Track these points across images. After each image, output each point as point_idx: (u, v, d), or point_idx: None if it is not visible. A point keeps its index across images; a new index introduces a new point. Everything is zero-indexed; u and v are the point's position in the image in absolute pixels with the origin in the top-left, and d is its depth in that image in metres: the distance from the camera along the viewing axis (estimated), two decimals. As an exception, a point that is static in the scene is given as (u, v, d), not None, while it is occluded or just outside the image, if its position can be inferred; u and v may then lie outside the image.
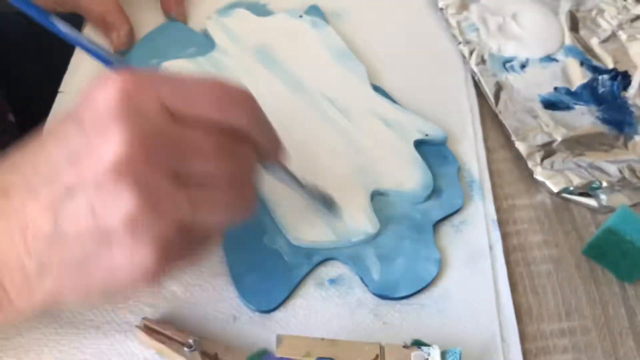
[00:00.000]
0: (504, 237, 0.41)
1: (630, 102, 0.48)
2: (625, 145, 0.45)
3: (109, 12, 0.48)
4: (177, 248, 0.26)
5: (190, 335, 0.34)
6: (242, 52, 0.49)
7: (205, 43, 0.50)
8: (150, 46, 0.50)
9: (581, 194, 0.43)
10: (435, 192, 0.42)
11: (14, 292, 0.28)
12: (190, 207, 0.26)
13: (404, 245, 0.39)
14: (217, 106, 0.27)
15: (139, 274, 0.26)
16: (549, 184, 0.42)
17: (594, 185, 0.42)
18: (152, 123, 0.25)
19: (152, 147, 0.25)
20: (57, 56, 0.50)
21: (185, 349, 0.33)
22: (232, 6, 0.53)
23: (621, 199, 0.43)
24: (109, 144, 0.24)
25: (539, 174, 0.43)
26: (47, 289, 0.27)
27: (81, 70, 0.48)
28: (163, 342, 0.34)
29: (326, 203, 0.39)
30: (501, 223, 0.41)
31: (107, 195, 0.25)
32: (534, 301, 0.38)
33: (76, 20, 0.51)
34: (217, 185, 0.27)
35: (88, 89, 0.26)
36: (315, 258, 0.39)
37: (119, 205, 0.25)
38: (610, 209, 0.42)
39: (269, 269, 0.38)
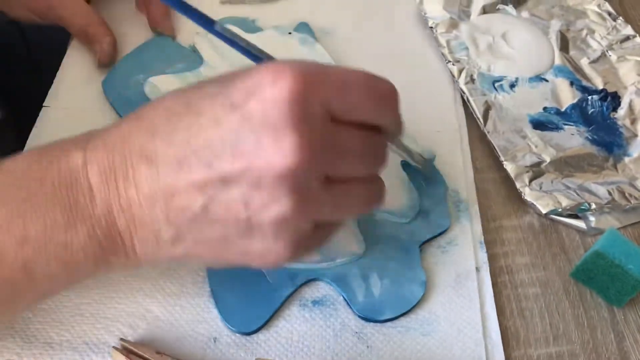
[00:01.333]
0: (491, 258, 0.40)
1: (619, 123, 0.48)
2: (615, 167, 0.45)
3: (91, 25, 0.48)
4: (310, 240, 0.28)
5: (168, 356, 0.33)
6: (230, 69, 0.48)
7: (193, 59, 0.50)
8: (137, 60, 0.49)
9: (570, 216, 0.42)
10: (422, 212, 0.41)
11: (142, 249, 0.29)
12: (333, 208, 0.28)
13: (389, 266, 0.39)
14: (373, 108, 0.28)
15: (269, 262, 0.28)
16: (537, 205, 0.42)
17: (582, 207, 0.42)
18: (319, 130, 0.26)
19: (317, 155, 0.26)
20: (46, 64, 0.50)
21: (163, 371, 0.32)
22: (220, 22, 0.53)
23: (610, 221, 0.42)
24: (281, 151, 0.25)
25: (528, 195, 0.42)
26: (176, 255, 0.29)
27: (65, 85, 0.48)
28: (140, 365, 0.33)
29: (429, 171, 0.42)
30: (488, 244, 0.41)
31: (265, 194, 0.26)
32: (521, 325, 0.38)
33: (59, 33, 0.50)
34: (360, 183, 0.29)
35: (256, 78, 0.26)
36: (299, 279, 0.38)
37: (273, 205, 0.26)
38: (599, 231, 0.42)
39: (251, 289, 0.37)
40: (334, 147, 0.27)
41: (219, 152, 0.26)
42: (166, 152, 0.27)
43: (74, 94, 0.47)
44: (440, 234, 0.41)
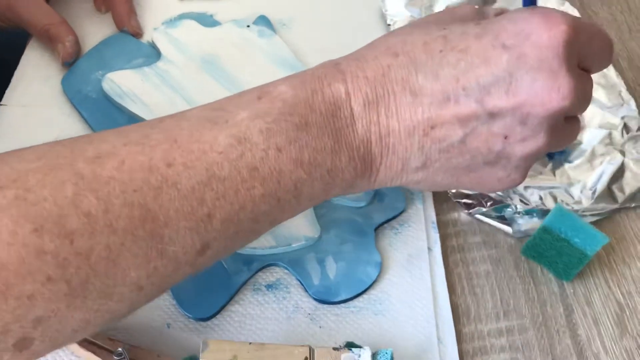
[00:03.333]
0: (444, 238, 0.41)
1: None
2: (553, 172, 0.44)
3: (52, 25, 0.48)
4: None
5: (120, 342, 0.33)
6: (189, 62, 0.49)
7: (152, 54, 0.50)
8: (96, 57, 0.50)
9: (498, 218, 0.42)
10: (377, 196, 0.42)
11: (385, 174, 0.31)
12: (562, 142, 0.31)
13: (345, 249, 0.39)
14: (605, 58, 0.31)
15: (502, 188, 0.32)
16: (462, 202, 0.42)
17: (509, 209, 0.41)
18: (578, 76, 0.29)
19: (575, 100, 0.28)
20: (7, 64, 0.50)
21: (115, 357, 0.33)
22: (179, 17, 0.53)
23: (537, 225, 0.40)
24: (559, 93, 0.28)
25: (453, 195, 0.42)
26: (413, 180, 0.31)
27: (23, 84, 0.48)
28: (93, 351, 0.33)
29: None
30: (441, 225, 0.41)
31: (527, 130, 0.29)
32: (472, 301, 0.38)
33: (20, 35, 0.51)
34: (575, 121, 0.32)
35: (529, 23, 0.28)
36: (255, 264, 0.39)
37: (531, 140, 0.29)
38: (524, 234, 0.41)
39: (207, 275, 0.37)
40: (582, 91, 0.29)
41: (491, 89, 0.28)
42: (432, 87, 0.29)
43: (32, 92, 0.47)
44: (395, 217, 0.41)
